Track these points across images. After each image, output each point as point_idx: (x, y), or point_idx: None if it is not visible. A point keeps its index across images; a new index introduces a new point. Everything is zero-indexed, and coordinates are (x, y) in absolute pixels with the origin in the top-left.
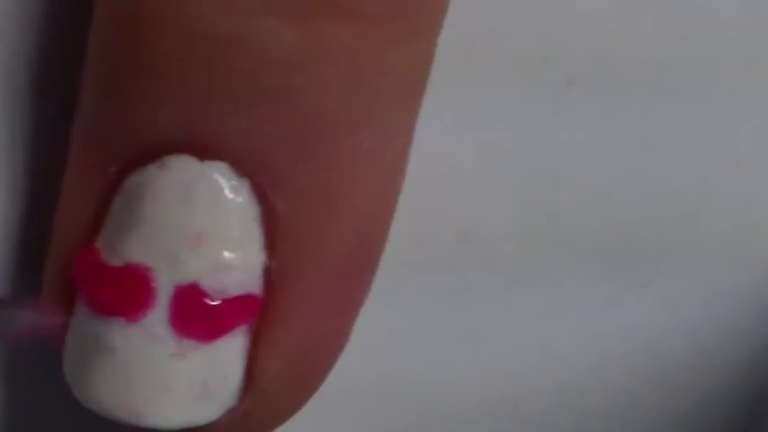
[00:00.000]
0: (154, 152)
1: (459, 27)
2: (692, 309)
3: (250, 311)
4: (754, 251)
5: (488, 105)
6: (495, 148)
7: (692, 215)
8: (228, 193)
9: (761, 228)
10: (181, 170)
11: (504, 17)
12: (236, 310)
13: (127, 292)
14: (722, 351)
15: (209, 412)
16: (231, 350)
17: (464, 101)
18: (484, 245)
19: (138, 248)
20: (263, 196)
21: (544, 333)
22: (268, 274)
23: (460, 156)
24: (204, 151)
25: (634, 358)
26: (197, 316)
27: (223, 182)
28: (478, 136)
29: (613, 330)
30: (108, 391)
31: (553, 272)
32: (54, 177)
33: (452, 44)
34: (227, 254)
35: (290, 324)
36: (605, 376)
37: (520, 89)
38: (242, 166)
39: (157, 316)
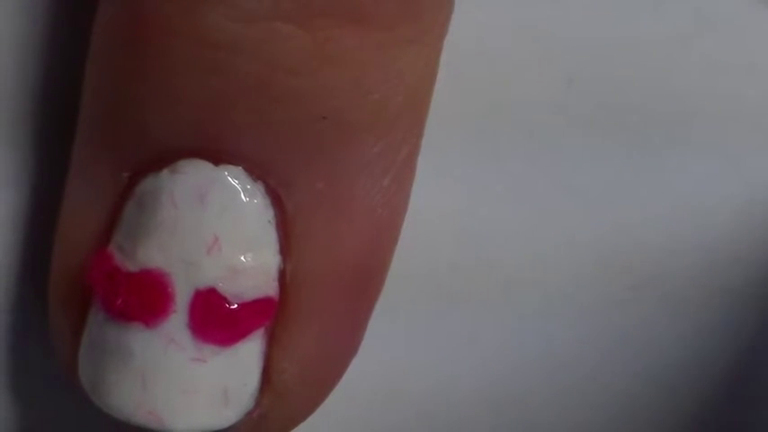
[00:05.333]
0: (167, 157)
1: (462, 26)
2: (692, 309)
3: (267, 314)
4: (754, 251)
5: (488, 104)
6: (495, 147)
7: (691, 215)
8: (244, 197)
9: (761, 228)
10: (195, 174)
11: (505, 15)
12: (254, 314)
13: (145, 299)
14: (722, 351)
15: (229, 415)
16: (249, 353)
17: (464, 99)
18: (484, 244)
19: (154, 254)
20: (277, 199)
21: (544, 333)
22: (283, 277)
23: (460, 155)
24: (218, 155)
25: (634, 358)
26: (216, 321)
27: (238, 185)
28: (479, 135)
29: (613, 330)
30: (127, 395)
31: (553, 272)
32: (56, 182)
33: (453, 42)
34: (243, 258)
35: (305, 326)
36: (605, 376)
37: (520, 88)
38: (256, 170)
39: (176, 321)
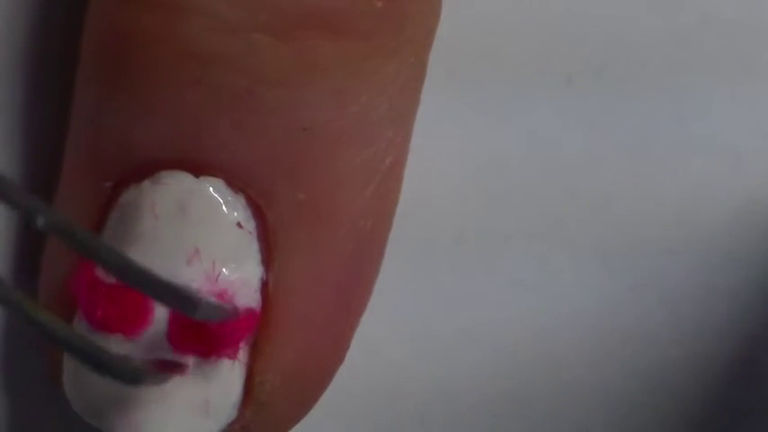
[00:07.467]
0: (149, 168)
1: (462, 26)
2: (691, 309)
3: (248, 326)
4: (753, 251)
5: (488, 105)
6: (495, 148)
7: (691, 215)
8: (224, 209)
9: (760, 227)
10: (176, 186)
11: (505, 15)
12: (235, 326)
13: (124, 310)
14: (722, 351)
15: (210, 426)
16: (231, 365)
17: (464, 101)
18: (484, 245)
19: None
20: (258, 210)
21: (544, 333)
22: (265, 289)
23: (460, 156)
24: (199, 167)
25: (633, 358)
26: (196, 333)
27: (218, 197)
28: (479, 136)
29: (613, 330)
30: (107, 405)
31: (553, 272)
32: (49, 187)
33: (453, 43)
34: (224, 270)
35: (287, 337)
36: (605, 376)
37: (520, 88)
38: (236, 181)
39: (155, 333)
